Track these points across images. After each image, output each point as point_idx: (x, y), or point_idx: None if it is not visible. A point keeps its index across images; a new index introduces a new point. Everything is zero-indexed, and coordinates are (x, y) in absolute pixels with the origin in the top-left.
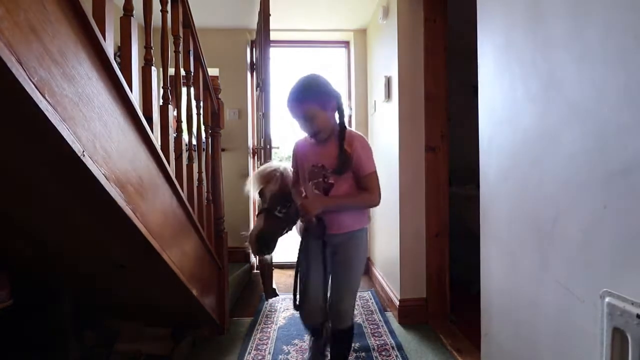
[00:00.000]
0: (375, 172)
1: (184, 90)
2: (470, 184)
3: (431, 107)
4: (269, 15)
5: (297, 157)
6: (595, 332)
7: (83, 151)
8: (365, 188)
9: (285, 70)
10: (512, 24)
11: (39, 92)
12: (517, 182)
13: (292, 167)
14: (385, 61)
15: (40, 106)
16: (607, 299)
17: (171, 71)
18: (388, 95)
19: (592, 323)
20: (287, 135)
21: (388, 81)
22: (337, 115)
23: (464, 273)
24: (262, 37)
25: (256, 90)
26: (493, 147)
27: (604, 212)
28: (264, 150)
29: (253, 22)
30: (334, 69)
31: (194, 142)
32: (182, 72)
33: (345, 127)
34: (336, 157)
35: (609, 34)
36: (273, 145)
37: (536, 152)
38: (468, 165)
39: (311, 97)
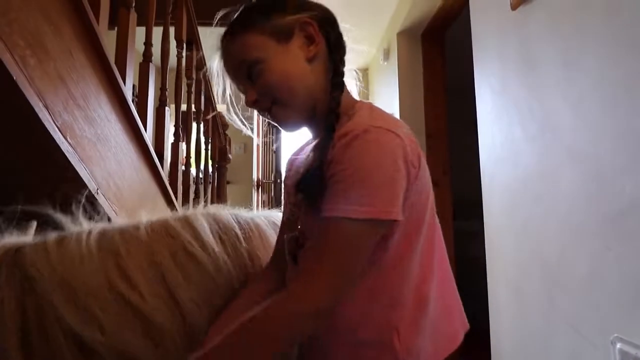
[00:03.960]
0: (346, 223)
1: (193, 125)
2: (473, 218)
3: (432, 144)
4: None
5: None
6: None
7: (97, 189)
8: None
9: None
10: (507, 69)
11: (62, 134)
12: (520, 218)
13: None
14: (387, 99)
15: (62, 147)
16: (618, 345)
17: (183, 107)
18: None
19: None
20: None
21: None
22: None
23: (472, 309)
24: None
25: (264, 125)
26: (495, 184)
27: (607, 254)
28: (273, 184)
29: None
30: None
31: (201, 175)
32: (193, 109)
33: (337, 98)
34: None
35: (601, 82)
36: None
37: (537, 190)
38: (470, 199)
39: (253, 17)
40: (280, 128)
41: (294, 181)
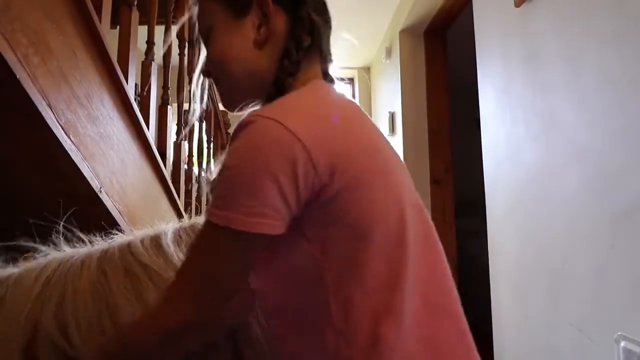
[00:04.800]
0: (212, 228)
1: (196, 124)
2: (475, 216)
3: (435, 141)
4: None
5: None
6: None
7: (100, 187)
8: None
9: None
10: (511, 67)
11: (65, 132)
12: (524, 217)
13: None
14: (389, 98)
15: (65, 146)
16: (622, 344)
17: (185, 105)
18: (392, 129)
19: None
20: None
21: (392, 117)
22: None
23: (474, 309)
24: None
25: None
26: (498, 182)
27: (611, 252)
28: None
29: None
30: None
31: (204, 174)
32: None
33: (282, 82)
34: None
35: (605, 80)
36: None
37: (541, 189)
38: (472, 197)
39: None
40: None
41: None
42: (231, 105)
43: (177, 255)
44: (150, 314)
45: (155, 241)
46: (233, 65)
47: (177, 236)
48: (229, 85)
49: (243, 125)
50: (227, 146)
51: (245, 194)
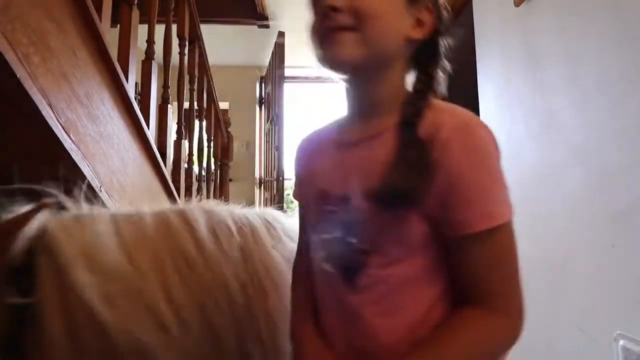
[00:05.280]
0: (509, 226)
1: (196, 123)
2: None
3: None
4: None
5: (302, 182)
6: None
7: (100, 186)
8: (473, 292)
9: (294, 105)
10: (510, 66)
11: (65, 132)
12: (523, 216)
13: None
14: None
15: (65, 145)
16: (621, 342)
17: (185, 104)
18: None
19: None
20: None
21: None
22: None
23: None
24: (276, 73)
25: (267, 123)
26: None
27: (611, 252)
28: (276, 182)
29: (263, 59)
30: (340, 105)
31: (204, 173)
32: (195, 107)
33: (425, 92)
34: (388, 168)
35: (604, 79)
36: (285, 177)
37: (540, 188)
38: None
39: None
40: (329, 64)
41: (347, 191)
42: (349, 63)
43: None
44: (496, 330)
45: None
46: (390, 29)
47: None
48: (370, 43)
49: (457, 116)
50: (452, 146)
51: (506, 188)
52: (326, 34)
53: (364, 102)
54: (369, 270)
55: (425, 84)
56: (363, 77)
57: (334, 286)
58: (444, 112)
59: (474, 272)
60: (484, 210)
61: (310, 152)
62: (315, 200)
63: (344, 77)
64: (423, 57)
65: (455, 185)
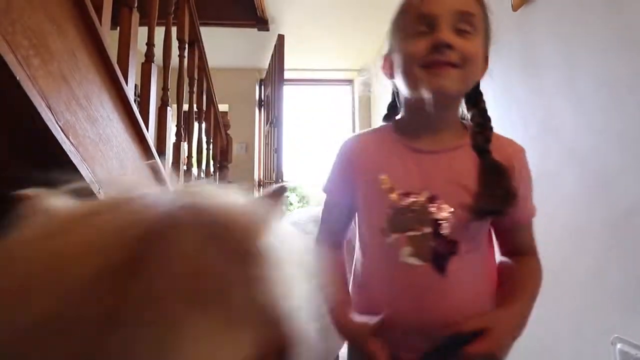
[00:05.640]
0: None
1: (195, 125)
2: None
3: None
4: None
5: (356, 175)
6: None
7: (99, 189)
8: (522, 250)
9: (291, 107)
10: (509, 70)
11: (64, 134)
12: None
13: (323, 209)
14: (388, 100)
15: (64, 147)
16: (618, 346)
17: (185, 106)
18: None
19: None
20: (296, 171)
21: None
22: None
23: None
24: (275, 76)
25: (266, 125)
26: None
27: (608, 255)
28: (275, 184)
29: (263, 61)
30: (339, 108)
31: (203, 175)
32: (195, 109)
33: (487, 123)
34: (476, 179)
35: (602, 83)
36: (284, 179)
37: (539, 191)
38: None
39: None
40: (432, 91)
41: (434, 193)
42: (451, 94)
43: None
44: (539, 271)
45: None
46: (477, 69)
47: None
48: (465, 80)
49: (509, 141)
50: (520, 157)
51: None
52: (435, 65)
53: (439, 122)
54: (458, 257)
55: (483, 117)
56: (448, 103)
57: (418, 276)
58: (499, 138)
59: (524, 242)
60: (532, 208)
61: (372, 151)
62: (389, 198)
63: (434, 101)
64: (471, 91)
65: (522, 196)
